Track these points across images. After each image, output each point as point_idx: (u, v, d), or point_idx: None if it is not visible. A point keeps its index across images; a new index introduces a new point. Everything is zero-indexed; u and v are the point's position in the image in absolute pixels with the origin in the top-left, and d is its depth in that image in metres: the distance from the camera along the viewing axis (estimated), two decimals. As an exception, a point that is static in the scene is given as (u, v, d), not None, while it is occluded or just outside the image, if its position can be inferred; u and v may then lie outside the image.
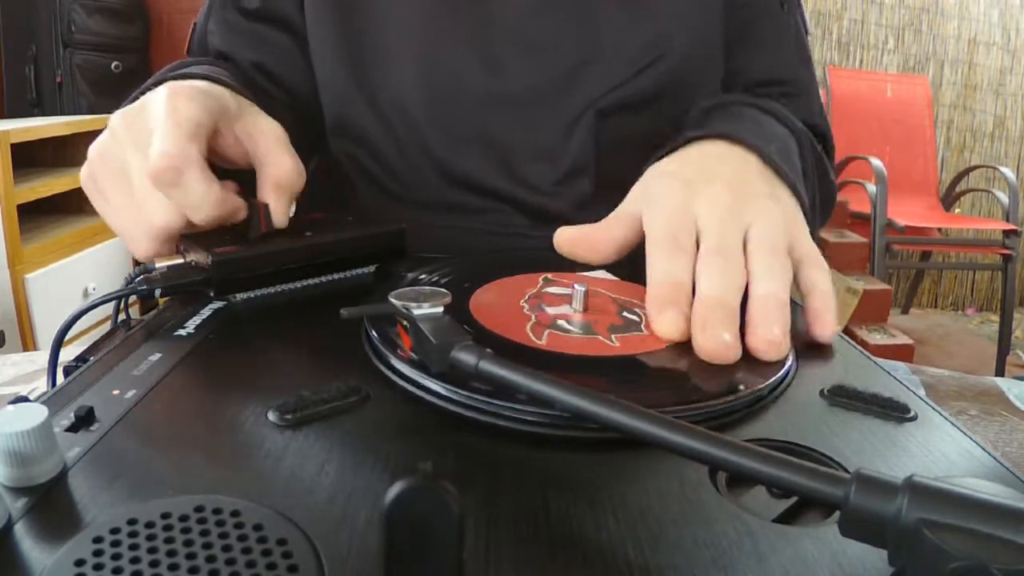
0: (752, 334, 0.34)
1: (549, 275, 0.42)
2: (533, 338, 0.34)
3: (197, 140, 0.39)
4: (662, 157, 0.47)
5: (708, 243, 0.37)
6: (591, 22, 0.57)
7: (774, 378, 0.32)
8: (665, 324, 0.35)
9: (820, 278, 0.39)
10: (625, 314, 0.37)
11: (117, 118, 0.42)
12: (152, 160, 0.37)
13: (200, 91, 0.41)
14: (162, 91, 0.41)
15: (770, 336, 0.34)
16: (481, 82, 0.57)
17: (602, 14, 0.57)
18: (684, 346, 0.34)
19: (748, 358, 0.33)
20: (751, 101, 0.55)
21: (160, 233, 0.40)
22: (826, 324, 0.38)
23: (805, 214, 0.44)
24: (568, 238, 0.43)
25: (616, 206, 0.44)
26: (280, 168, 0.42)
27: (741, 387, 0.30)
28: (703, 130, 0.47)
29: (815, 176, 0.57)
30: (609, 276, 0.43)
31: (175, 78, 0.46)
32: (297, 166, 0.43)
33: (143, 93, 0.45)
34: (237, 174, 0.44)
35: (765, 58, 0.62)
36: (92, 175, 0.42)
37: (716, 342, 0.33)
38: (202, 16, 0.63)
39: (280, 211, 0.42)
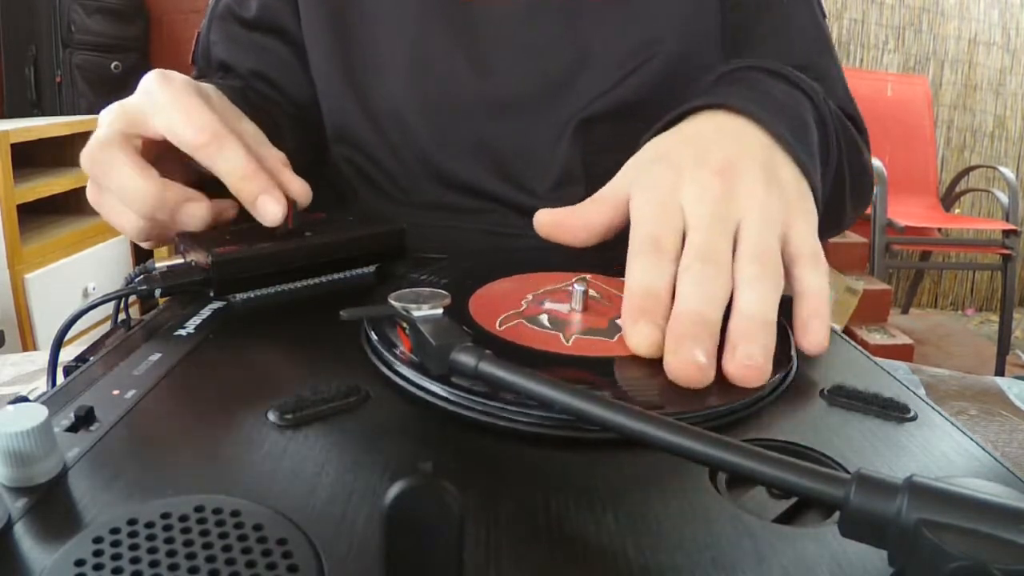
0: (730, 357, 0.31)
1: (588, 276, 0.40)
2: (559, 343, 0.34)
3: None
4: (658, 132, 0.44)
5: (692, 245, 0.35)
6: (580, 27, 0.57)
7: (774, 378, 0.31)
8: (636, 338, 0.33)
9: (812, 278, 0.36)
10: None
11: (105, 114, 0.43)
12: (192, 134, 0.40)
13: (185, 78, 0.43)
14: (148, 77, 0.42)
15: (747, 361, 0.31)
16: (472, 88, 0.57)
17: (591, 19, 0.57)
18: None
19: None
20: (766, 66, 0.52)
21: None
22: (814, 334, 0.34)
23: (815, 191, 0.41)
24: (548, 220, 0.41)
25: None
26: (279, 156, 0.45)
27: (741, 387, 0.30)
28: (705, 99, 0.45)
29: (842, 146, 0.53)
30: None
31: None
32: (284, 154, 0.46)
33: None
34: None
35: (770, 54, 0.61)
36: (94, 180, 0.43)
37: (687, 364, 0.30)
38: (204, 27, 0.65)
39: (302, 189, 0.44)
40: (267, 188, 0.41)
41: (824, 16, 0.63)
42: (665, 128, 0.45)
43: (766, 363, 0.31)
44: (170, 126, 0.41)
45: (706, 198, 0.36)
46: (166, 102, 0.41)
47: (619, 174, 0.42)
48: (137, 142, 0.42)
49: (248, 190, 0.41)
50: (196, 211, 0.42)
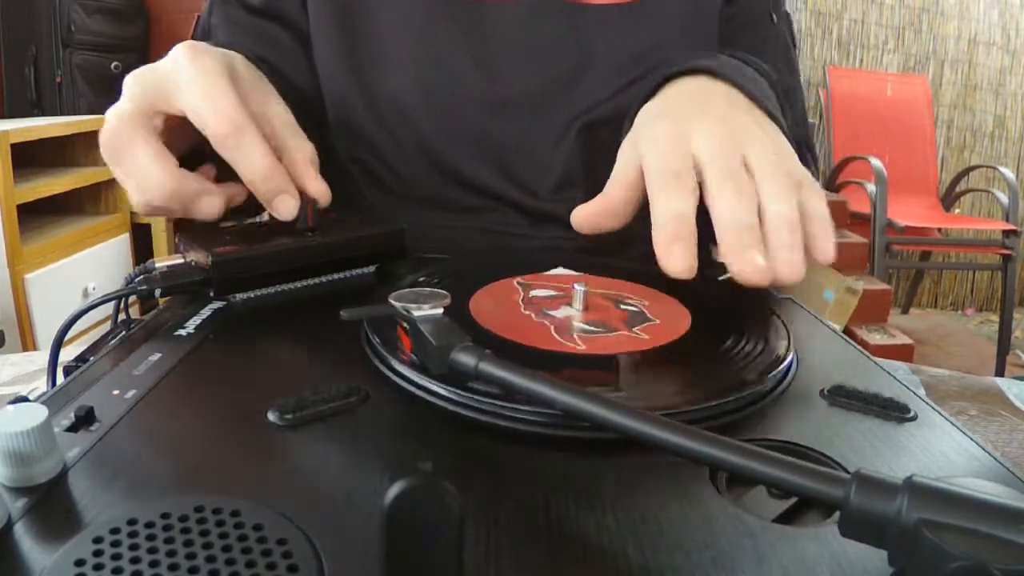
0: (772, 259, 0.36)
1: (520, 279, 0.42)
2: (563, 342, 0.33)
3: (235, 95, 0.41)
4: (645, 101, 0.48)
5: (714, 170, 0.38)
6: (583, 28, 0.57)
7: (774, 378, 0.31)
8: (674, 261, 0.36)
9: (817, 202, 0.39)
10: (623, 306, 0.37)
11: (132, 79, 0.43)
12: (215, 123, 0.40)
13: (214, 50, 0.43)
14: (179, 49, 0.42)
15: (790, 270, 0.36)
16: (476, 86, 0.58)
17: (594, 20, 0.57)
18: (687, 342, 0.34)
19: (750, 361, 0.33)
20: (723, 51, 0.56)
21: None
22: (826, 249, 0.38)
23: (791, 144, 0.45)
24: (586, 214, 0.44)
25: None
26: (304, 151, 0.45)
27: (741, 387, 0.30)
28: (684, 64, 0.48)
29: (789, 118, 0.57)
30: (572, 272, 0.44)
31: None
32: (313, 148, 0.46)
33: None
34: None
35: None
36: (110, 159, 0.43)
37: (753, 266, 0.35)
38: (205, 11, 0.64)
39: (322, 190, 0.44)
40: (284, 187, 0.41)
41: (794, 45, 0.67)
42: (648, 98, 0.48)
43: (802, 262, 0.36)
44: (194, 110, 0.40)
45: (712, 136, 0.39)
46: (192, 82, 0.41)
47: (622, 148, 0.44)
48: (158, 120, 0.42)
49: (266, 189, 0.41)
50: (211, 204, 0.42)
